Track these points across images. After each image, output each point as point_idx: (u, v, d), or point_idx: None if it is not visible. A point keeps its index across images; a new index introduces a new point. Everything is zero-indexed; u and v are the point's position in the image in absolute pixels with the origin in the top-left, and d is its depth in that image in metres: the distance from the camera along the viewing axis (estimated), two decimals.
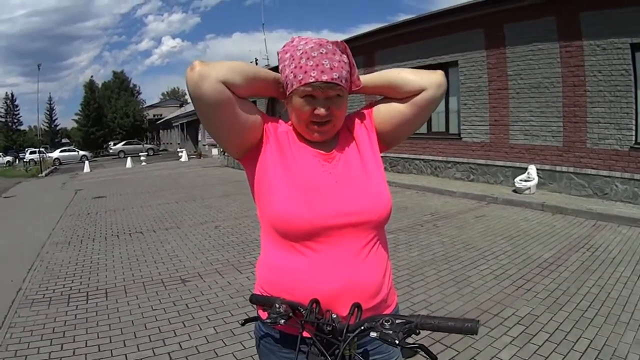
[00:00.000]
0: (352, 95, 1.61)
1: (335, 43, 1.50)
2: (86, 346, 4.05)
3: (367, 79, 1.64)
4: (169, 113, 64.38)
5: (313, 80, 1.40)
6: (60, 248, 7.82)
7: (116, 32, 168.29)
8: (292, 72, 1.44)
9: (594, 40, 9.71)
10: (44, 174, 29.80)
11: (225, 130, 1.47)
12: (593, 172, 9.88)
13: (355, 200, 1.47)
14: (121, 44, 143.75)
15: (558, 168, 10.55)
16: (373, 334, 1.22)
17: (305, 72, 1.41)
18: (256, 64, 41.06)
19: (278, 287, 1.47)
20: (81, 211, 11.79)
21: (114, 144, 53.07)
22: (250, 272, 5.88)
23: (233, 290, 5.30)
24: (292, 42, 1.53)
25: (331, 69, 1.41)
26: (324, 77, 1.40)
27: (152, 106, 77.16)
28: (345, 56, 1.49)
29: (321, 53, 1.42)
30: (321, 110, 1.45)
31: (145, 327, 4.36)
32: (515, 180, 10.71)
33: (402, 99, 1.63)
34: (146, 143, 57.67)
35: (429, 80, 1.60)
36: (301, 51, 1.44)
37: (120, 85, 71.59)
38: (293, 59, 1.45)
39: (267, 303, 1.39)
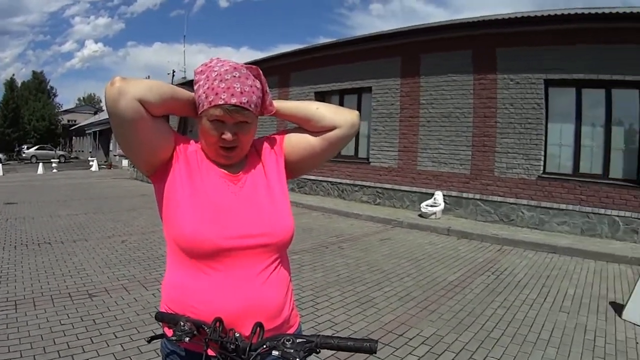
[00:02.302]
0: (266, 117, 1.67)
1: (250, 68, 1.51)
2: None
3: (285, 106, 1.66)
4: (83, 120, 62.00)
5: (222, 102, 1.40)
6: None
7: (43, 30, 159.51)
8: (204, 93, 1.44)
9: (509, 74, 10.06)
10: None
11: (137, 147, 1.47)
12: (500, 199, 10.12)
13: (259, 223, 1.49)
14: (45, 43, 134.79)
15: (465, 194, 10.70)
16: (275, 353, 1.24)
17: (216, 93, 1.41)
18: (173, 75, 40.71)
19: (182, 305, 1.45)
20: None
21: (27, 148, 50.11)
22: (157, 289, 5.64)
23: (139, 307, 5.10)
24: (210, 62, 1.53)
25: (241, 92, 1.42)
26: (233, 100, 1.40)
27: (67, 111, 73.56)
28: (259, 82, 1.51)
29: (234, 76, 1.43)
30: (228, 135, 1.45)
31: (54, 342, 4.13)
32: (422, 205, 10.75)
33: (314, 133, 1.65)
34: (58, 149, 55.08)
35: (344, 119, 1.65)
36: (216, 73, 1.44)
37: (39, 86, 67.90)
38: (207, 80, 1.45)
39: (172, 321, 1.37)
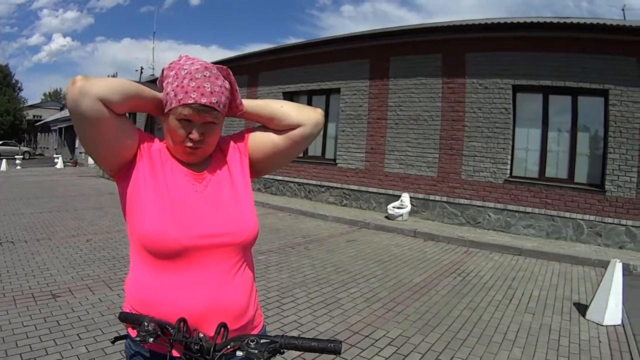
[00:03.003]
0: (231, 118, 1.64)
1: (220, 68, 1.49)
2: None
3: (250, 104, 1.65)
4: (49, 115, 60.53)
5: (192, 101, 1.38)
6: None
7: (9, 22, 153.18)
8: (173, 91, 1.42)
9: (477, 79, 10.17)
10: None
11: (100, 146, 1.45)
12: (466, 202, 10.21)
13: (223, 222, 1.48)
14: (12, 35, 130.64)
15: (432, 197, 10.76)
16: (239, 353, 1.25)
17: (186, 92, 1.39)
18: (142, 72, 40.18)
19: (146, 305, 1.43)
20: None
21: None
22: (121, 289, 5.48)
23: (104, 307, 5.02)
24: (179, 60, 1.51)
25: (211, 93, 1.41)
26: (203, 100, 1.39)
27: (32, 106, 71.42)
28: (228, 82, 1.50)
29: (204, 76, 1.42)
30: (195, 135, 1.43)
31: (17, 344, 4.04)
32: (388, 207, 10.75)
33: (278, 131, 1.66)
34: (23, 145, 53.53)
35: (308, 117, 1.65)
36: (186, 71, 1.43)
37: (3, 80, 66.21)
38: (176, 78, 1.43)
39: (136, 321, 1.35)
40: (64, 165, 31.11)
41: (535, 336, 4.44)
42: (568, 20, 8.98)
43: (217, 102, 1.42)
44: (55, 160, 32.12)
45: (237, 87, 1.56)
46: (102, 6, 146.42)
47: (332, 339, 1.39)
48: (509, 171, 9.72)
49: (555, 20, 9.27)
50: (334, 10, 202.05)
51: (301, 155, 13.27)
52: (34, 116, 67.04)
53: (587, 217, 8.77)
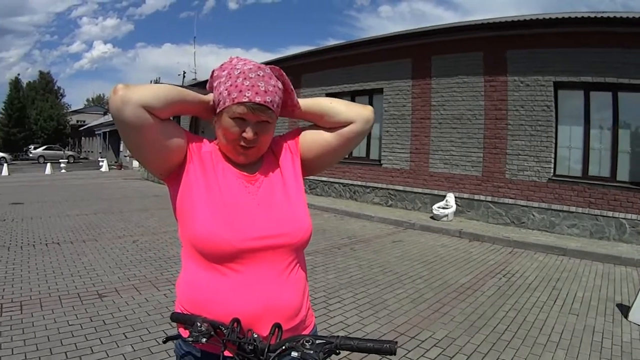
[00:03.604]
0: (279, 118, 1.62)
1: (272, 68, 1.51)
2: None
3: (303, 103, 1.65)
4: (93, 120, 61.41)
5: (246, 100, 1.40)
6: None
7: (49, 30, 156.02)
8: (226, 90, 1.44)
9: (519, 76, 10.11)
10: None
11: (147, 152, 1.47)
12: (511, 201, 10.19)
13: (277, 224, 1.48)
14: (52, 43, 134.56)
15: (476, 197, 10.77)
16: (294, 354, 1.23)
17: (240, 91, 1.41)
18: (184, 76, 40.70)
19: (198, 305, 1.44)
20: None
21: (35, 148, 49.67)
22: (168, 289, 5.65)
23: (150, 307, 5.05)
24: (231, 61, 1.53)
25: (265, 92, 1.42)
26: (257, 99, 1.41)
27: (76, 111, 73.26)
28: (280, 82, 1.51)
29: (258, 75, 1.43)
30: (249, 134, 1.45)
31: (62, 343, 4.06)
32: (434, 207, 10.78)
33: (329, 129, 1.66)
34: (67, 150, 54.64)
35: (359, 114, 1.65)
36: (239, 71, 1.45)
37: (45, 86, 68.13)
38: (229, 77, 1.45)
39: (189, 321, 1.36)
40: (109, 168, 31.67)
41: (579, 338, 4.44)
42: (605, 15, 8.83)
43: (271, 101, 1.44)
44: (100, 163, 32.87)
45: (292, 87, 1.57)
46: (142, 13, 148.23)
47: (386, 339, 1.33)
48: (552, 170, 9.64)
49: (592, 15, 9.12)
50: (372, 11, 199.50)
51: (346, 156, 13.43)
52: (77, 121, 68.41)
53: (629, 216, 8.66)
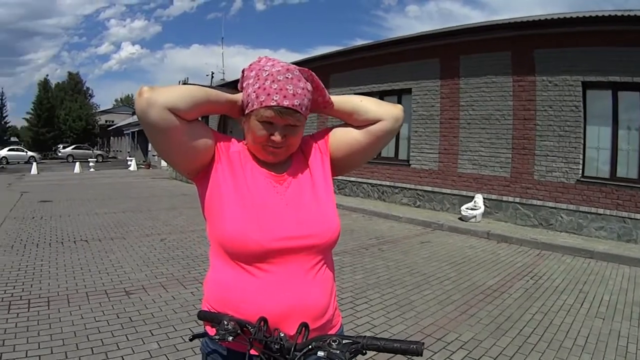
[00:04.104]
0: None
1: (302, 70, 1.49)
2: (26, 356, 3.78)
3: (333, 99, 1.64)
4: (121, 120, 63.11)
5: (274, 104, 1.39)
6: (2, 252, 7.29)
7: (77, 32, 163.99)
8: (254, 92, 1.43)
9: (547, 76, 10.05)
10: None
11: (174, 153, 1.47)
12: (539, 203, 10.13)
13: (305, 224, 1.47)
14: (80, 45, 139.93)
15: (505, 198, 10.73)
16: (321, 354, 1.23)
17: (268, 94, 1.40)
18: (212, 77, 40.89)
19: (226, 304, 1.45)
20: (26, 214, 11.08)
21: (63, 147, 50.74)
22: (195, 287, 5.73)
23: (177, 305, 5.13)
24: (259, 61, 1.53)
25: (294, 95, 1.41)
26: (285, 103, 1.39)
27: (104, 111, 74.66)
28: (309, 84, 1.50)
29: (287, 78, 1.42)
30: (277, 137, 1.44)
31: (88, 338, 4.15)
32: (462, 208, 10.80)
33: (358, 127, 1.64)
34: (96, 149, 56.01)
35: (388, 112, 1.64)
36: (267, 72, 1.43)
37: (74, 87, 69.14)
38: (258, 79, 1.44)
39: (216, 320, 1.37)
40: (137, 168, 31.96)
41: (605, 342, 4.41)
42: (632, 14, 8.74)
43: (299, 104, 1.42)
44: (129, 162, 33.10)
45: (323, 85, 1.56)
46: (169, 14, 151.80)
47: (413, 340, 1.26)
48: (580, 171, 9.56)
49: (619, 14, 9.02)
50: (399, 10, 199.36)
51: (374, 156, 13.54)
52: (106, 121, 69.51)
53: None
